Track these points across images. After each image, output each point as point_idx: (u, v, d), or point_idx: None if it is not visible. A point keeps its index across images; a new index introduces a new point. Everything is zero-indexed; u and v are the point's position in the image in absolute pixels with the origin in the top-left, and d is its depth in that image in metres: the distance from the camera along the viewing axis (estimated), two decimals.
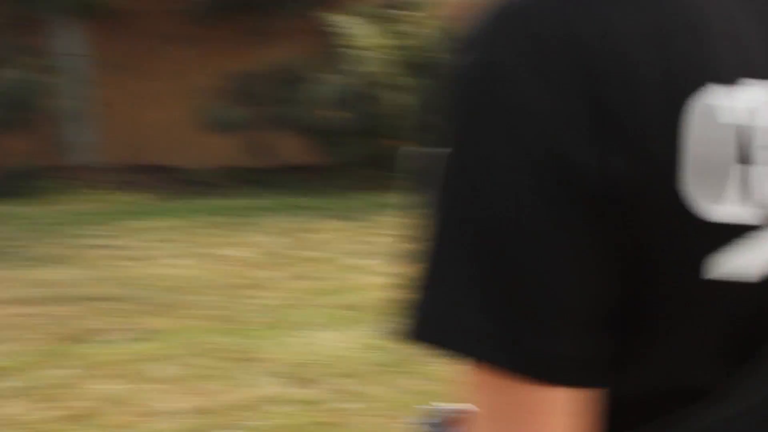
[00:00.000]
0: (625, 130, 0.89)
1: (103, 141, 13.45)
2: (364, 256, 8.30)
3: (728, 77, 0.91)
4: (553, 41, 0.90)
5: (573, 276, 0.89)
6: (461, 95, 0.94)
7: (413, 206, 0.98)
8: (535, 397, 0.90)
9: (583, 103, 0.89)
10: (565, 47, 0.90)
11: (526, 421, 0.90)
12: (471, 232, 0.90)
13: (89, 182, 12.49)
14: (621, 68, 0.89)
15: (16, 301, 7.00)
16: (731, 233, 0.91)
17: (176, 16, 13.13)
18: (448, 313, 0.91)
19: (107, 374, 5.30)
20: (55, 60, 13.27)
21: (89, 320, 6.45)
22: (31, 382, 5.20)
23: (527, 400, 0.90)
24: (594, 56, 0.89)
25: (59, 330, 6.24)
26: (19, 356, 5.67)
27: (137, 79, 13.45)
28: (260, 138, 12.85)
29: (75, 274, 7.85)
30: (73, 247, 8.89)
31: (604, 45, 0.89)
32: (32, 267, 8.14)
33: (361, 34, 11.52)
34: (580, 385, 0.91)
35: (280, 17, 12.76)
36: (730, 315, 0.94)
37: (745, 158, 0.90)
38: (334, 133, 11.63)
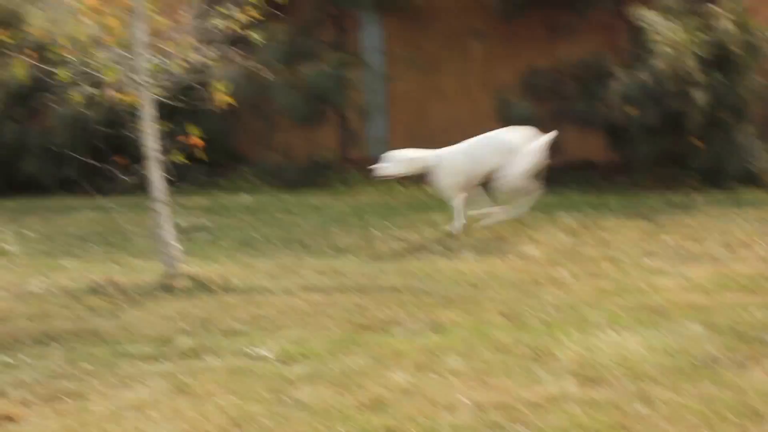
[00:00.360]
0: None
1: (397, 134, 13.71)
2: (655, 256, 8.09)
3: None
4: None
5: None
6: None
7: None
8: None
9: None
10: None
11: None
12: None
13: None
14: None
15: (314, 289, 7.25)
16: None
17: (478, 11, 13.20)
18: None
19: (400, 364, 5.39)
20: (358, 55, 13.65)
21: (383, 310, 6.59)
22: (326, 369, 5.36)
23: None
24: None
25: (354, 318, 6.41)
26: (315, 343, 5.86)
27: (435, 74, 13.62)
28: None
29: (370, 265, 8.05)
30: (368, 239, 9.11)
31: None
32: (330, 257, 8.41)
33: (665, 29, 11.21)
34: None
35: (584, 13, 12.59)
36: None
37: None
38: (630, 129, 11.38)
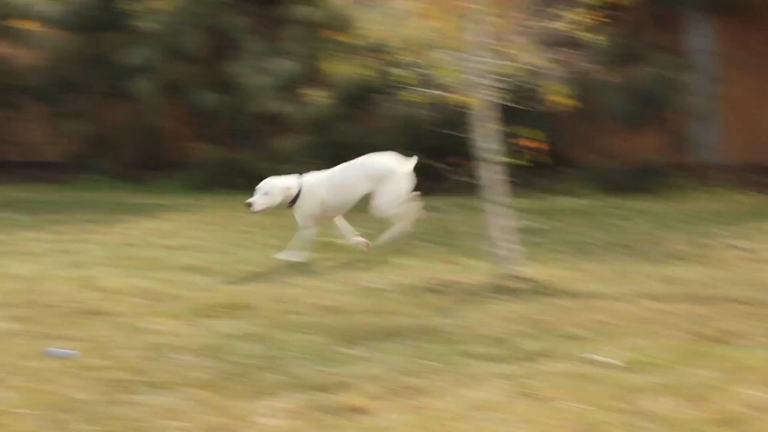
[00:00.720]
0: None
1: (728, 139, 13.28)
2: None
3: None
4: None
5: None
6: None
7: None
8: None
9: None
10: None
11: None
12: None
13: (714, 181, 12.40)
14: None
15: (651, 296, 7.10)
16: None
17: None
18: None
19: (750, 379, 5.18)
20: (688, 57, 13.32)
21: (727, 322, 6.37)
22: (674, 380, 5.21)
23: None
24: None
25: (697, 329, 6.22)
26: (658, 352, 5.71)
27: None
28: None
29: (708, 274, 7.81)
30: (703, 246, 8.87)
31: None
32: (664, 263, 8.23)
33: None
34: None
35: None
36: None
37: None
38: None
